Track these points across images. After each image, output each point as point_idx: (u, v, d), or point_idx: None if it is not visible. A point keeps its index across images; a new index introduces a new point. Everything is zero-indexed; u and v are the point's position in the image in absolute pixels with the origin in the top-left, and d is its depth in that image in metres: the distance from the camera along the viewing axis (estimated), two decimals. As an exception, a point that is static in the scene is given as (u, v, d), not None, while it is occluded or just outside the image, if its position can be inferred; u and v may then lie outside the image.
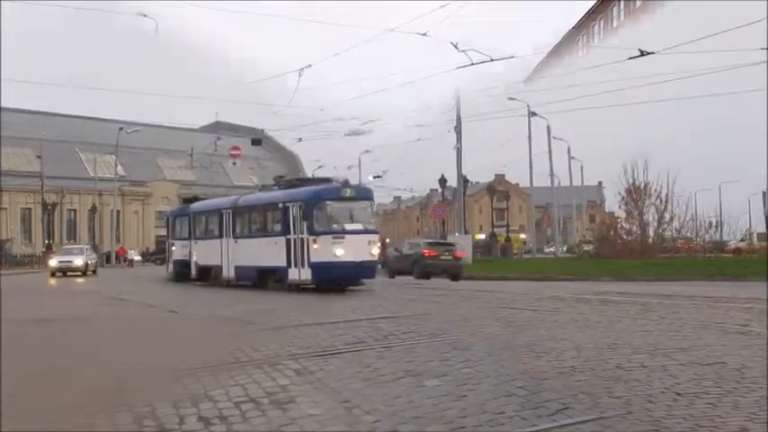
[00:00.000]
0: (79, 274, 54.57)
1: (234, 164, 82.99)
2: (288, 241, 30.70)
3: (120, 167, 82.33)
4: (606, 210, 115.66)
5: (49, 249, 69.69)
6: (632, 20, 72.49)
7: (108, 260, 74.54)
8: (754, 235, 71.92)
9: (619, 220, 64.50)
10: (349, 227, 29.96)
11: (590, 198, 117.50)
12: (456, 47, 40.84)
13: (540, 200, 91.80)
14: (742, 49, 22.85)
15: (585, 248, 64.61)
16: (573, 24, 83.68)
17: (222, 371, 11.94)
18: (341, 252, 29.13)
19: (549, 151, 70.06)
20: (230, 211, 36.35)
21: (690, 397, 9.74)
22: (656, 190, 57.94)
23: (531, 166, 67.18)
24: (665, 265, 44.38)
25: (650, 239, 57.89)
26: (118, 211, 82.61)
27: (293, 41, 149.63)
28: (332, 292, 29.52)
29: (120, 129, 76.72)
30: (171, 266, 43.24)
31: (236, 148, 71.67)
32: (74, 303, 29.40)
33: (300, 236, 30.08)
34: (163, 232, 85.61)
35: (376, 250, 31.16)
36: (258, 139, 59.99)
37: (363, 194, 32.28)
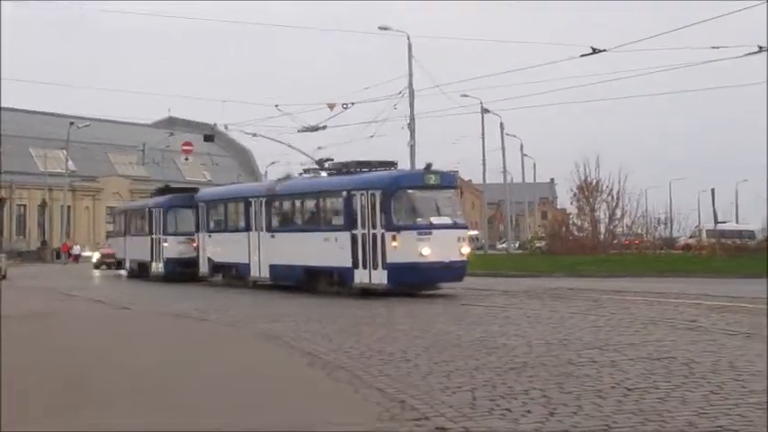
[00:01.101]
0: None
1: (186, 159, 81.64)
2: (353, 237, 25.14)
3: (70, 162, 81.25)
4: (558, 206, 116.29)
5: (-2, 245, 69.04)
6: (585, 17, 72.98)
7: (59, 256, 73.96)
8: (703, 231, 72.61)
9: (570, 217, 64.95)
10: (436, 221, 24.82)
11: (542, 195, 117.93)
12: (409, 44, 40.89)
13: (493, 197, 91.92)
14: (696, 47, 22.97)
15: (537, 245, 64.83)
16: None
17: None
18: (427, 251, 23.89)
19: (503, 148, 70.22)
20: (263, 199, 29.88)
21: (639, 392, 9.86)
22: (607, 187, 58.48)
23: (483, 163, 67.30)
24: (615, 261, 44.64)
25: (601, 236, 58.29)
26: (68, 207, 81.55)
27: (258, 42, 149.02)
28: (408, 296, 24.25)
29: (71, 123, 76.07)
30: (162, 265, 37.36)
31: (188, 143, 70.67)
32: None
33: (372, 231, 24.55)
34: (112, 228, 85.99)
35: (466, 249, 25.66)
36: (211, 135, 59.06)
37: (449, 181, 26.63)
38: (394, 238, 23.84)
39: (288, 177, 31.53)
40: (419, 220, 24.58)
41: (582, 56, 25.31)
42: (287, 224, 29.45)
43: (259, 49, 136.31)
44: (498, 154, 71.21)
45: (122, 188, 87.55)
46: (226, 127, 46.61)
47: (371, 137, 39.03)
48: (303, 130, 38.01)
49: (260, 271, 29.69)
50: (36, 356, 14.45)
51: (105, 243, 63.20)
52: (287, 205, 29.91)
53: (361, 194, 24.95)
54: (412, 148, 40.29)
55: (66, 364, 13.51)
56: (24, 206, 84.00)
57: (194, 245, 34.43)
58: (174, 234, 36.53)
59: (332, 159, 30.49)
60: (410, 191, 25.08)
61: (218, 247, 32.95)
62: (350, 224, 25.29)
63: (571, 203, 60.39)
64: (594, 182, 59.05)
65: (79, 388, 11.28)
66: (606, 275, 36.00)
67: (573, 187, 60.21)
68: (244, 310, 22.72)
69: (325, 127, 37.82)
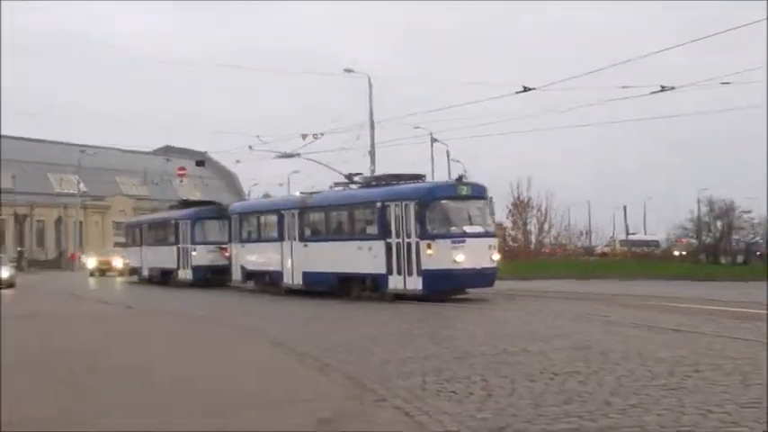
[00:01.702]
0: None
1: (181, 182, 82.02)
2: (388, 246, 23.01)
3: (82, 184, 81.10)
4: (496, 221, 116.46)
5: (20, 255, 68.49)
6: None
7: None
8: (617, 241, 73.87)
9: (506, 229, 65.18)
10: (469, 230, 22.78)
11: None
12: (369, 84, 40.87)
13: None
14: (609, 86, 23.12)
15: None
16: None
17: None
18: (461, 258, 21.89)
19: (449, 172, 70.09)
20: (295, 211, 27.21)
21: (564, 376, 9.88)
22: (537, 204, 58.67)
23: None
24: (544, 266, 44.78)
25: (532, 245, 58.58)
26: (80, 222, 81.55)
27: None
28: (440, 301, 21.70)
29: (82, 151, 76.72)
30: (190, 272, 34.28)
31: (182, 168, 70.61)
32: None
33: (407, 240, 22.49)
34: (119, 239, 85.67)
35: (497, 255, 23.46)
36: (202, 161, 59.13)
37: (479, 192, 24.02)
38: (429, 246, 21.95)
39: (310, 192, 28.73)
40: (453, 229, 22.62)
41: (516, 93, 25.33)
42: (320, 234, 26.70)
43: (240, 87, 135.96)
44: (445, 177, 70.90)
45: (127, 206, 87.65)
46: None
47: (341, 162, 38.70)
48: (280, 157, 37.89)
49: (293, 278, 27.09)
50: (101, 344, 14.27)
51: (109, 252, 57.61)
52: (319, 216, 27.12)
53: (396, 205, 22.94)
54: (372, 172, 40.14)
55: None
56: (43, 222, 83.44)
57: (226, 254, 31.88)
58: (204, 243, 33.88)
59: (361, 174, 28.94)
60: (444, 201, 23.00)
61: (250, 256, 30.14)
62: (384, 233, 23.17)
63: (507, 218, 60.28)
64: (527, 199, 59.21)
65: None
66: (536, 278, 35.99)
67: (508, 204, 60.26)
68: (276, 314, 21.93)
69: (299, 154, 37.62)
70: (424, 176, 25.68)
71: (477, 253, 22.18)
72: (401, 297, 22.40)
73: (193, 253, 33.85)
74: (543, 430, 7.28)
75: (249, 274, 30.14)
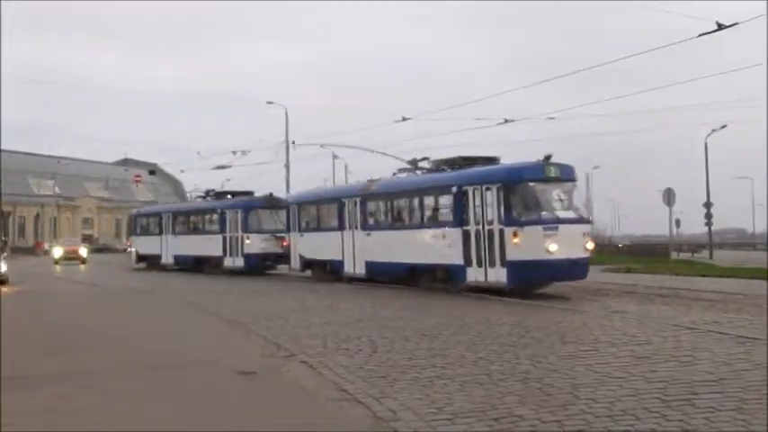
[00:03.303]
0: None
1: (137, 186, 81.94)
2: (465, 234, 16.83)
3: (57, 188, 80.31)
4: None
5: (5, 244, 65.91)
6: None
7: (46, 252, 71.69)
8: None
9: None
10: (562, 215, 16.39)
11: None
12: (286, 113, 40.51)
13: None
14: (469, 118, 23.10)
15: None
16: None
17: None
18: (554, 247, 15.58)
19: (346, 181, 70.08)
20: (357, 199, 21.18)
21: (431, 337, 9.96)
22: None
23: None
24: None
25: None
26: (55, 218, 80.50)
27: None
28: (524, 296, 15.57)
29: (58, 162, 76.93)
30: (241, 260, 27.90)
31: (138, 176, 69.27)
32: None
33: (488, 227, 16.32)
34: (87, 232, 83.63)
35: (591, 244, 17.01)
36: (153, 171, 58.26)
37: (568, 174, 17.16)
38: (515, 234, 15.82)
39: (373, 180, 22.00)
40: (544, 214, 16.22)
41: (395, 122, 25.39)
42: (385, 222, 20.45)
43: (185, 113, 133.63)
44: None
45: (92, 206, 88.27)
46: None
47: (262, 173, 38.05)
48: (216, 168, 37.66)
49: (354, 267, 21.06)
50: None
51: (76, 243, 47.77)
52: (384, 204, 20.68)
53: (475, 189, 16.74)
54: (287, 181, 39.73)
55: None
56: (24, 218, 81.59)
57: (284, 243, 25.50)
58: (258, 232, 27.63)
59: (427, 158, 21.21)
60: (532, 184, 16.49)
61: (310, 245, 23.51)
62: (460, 220, 17.03)
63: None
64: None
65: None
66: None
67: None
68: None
69: (230, 166, 37.34)
70: (499, 159, 18.78)
71: (571, 241, 15.96)
72: (478, 290, 16.46)
73: (247, 241, 27.76)
74: (414, 377, 7.31)
75: (308, 263, 23.95)
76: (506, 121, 21.29)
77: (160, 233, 33.20)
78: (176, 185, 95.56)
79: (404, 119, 24.39)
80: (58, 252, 43.66)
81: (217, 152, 50.94)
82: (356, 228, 20.92)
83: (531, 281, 16.26)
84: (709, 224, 39.12)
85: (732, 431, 5.26)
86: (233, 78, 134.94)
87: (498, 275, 16.02)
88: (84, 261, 42.15)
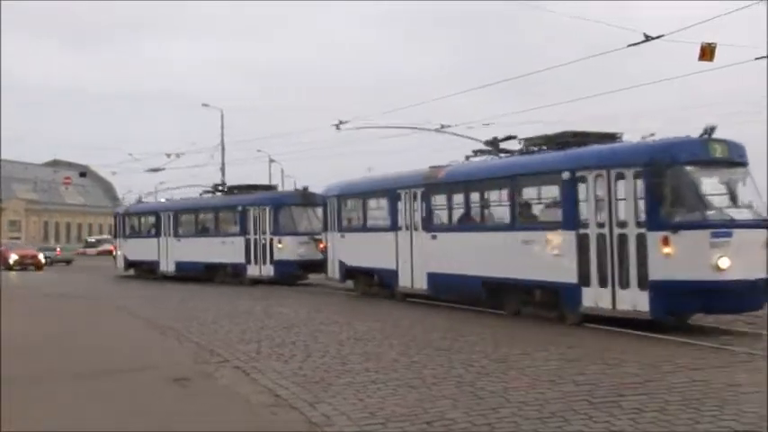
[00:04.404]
0: None
1: (66, 189, 79.88)
2: (582, 239, 11.50)
3: None
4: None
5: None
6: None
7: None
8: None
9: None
10: (737, 215, 10.73)
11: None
12: (222, 115, 40.05)
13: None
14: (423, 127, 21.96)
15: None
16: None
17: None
18: (725, 263, 10.10)
19: (282, 186, 69.63)
20: (418, 191, 15.56)
21: (365, 341, 10.01)
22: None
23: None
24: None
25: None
26: None
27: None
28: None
29: None
30: (271, 268, 22.29)
31: (67, 177, 67.63)
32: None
33: (620, 231, 11.01)
34: (14, 234, 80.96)
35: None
36: (84, 172, 56.97)
37: (740, 155, 11.31)
38: (666, 242, 10.45)
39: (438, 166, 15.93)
40: (710, 213, 10.68)
41: (333, 125, 25.04)
42: (457, 221, 14.82)
43: (116, 115, 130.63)
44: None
45: (20, 208, 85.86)
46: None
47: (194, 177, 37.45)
48: (149, 171, 36.92)
49: (412, 280, 15.60)
50: None
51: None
52: (457, 197, 14.92)
53: (598, 176, 11.34)
54: (224, 185, 39.30)
55: None
56: (-51, 220, 79.07)
57: (321, 246, 19.87)
58: (293, 234, 22.24)
59: (514, 137, 15.15)
60: (691, 168, 10.93)
61: (353, 250, 18.06)
62: (575, 220, 11.65)
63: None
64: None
65: None
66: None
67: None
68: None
69: (164, 169, 36.65)
70: (621, 135, 12.82)
71: (749, 254, 10.36)
72: (601, 319, 11.13)
73: (278, 245, 22.30)
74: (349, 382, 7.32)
75: (350, 272, 18.39)
76: (443, 127, 21.32)
77: (157, 235, 27.49)
78: (108, 188, 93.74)
79: (340, 122, 24.29)
80: (12, 257, 38.58)
81: (150, 154, 50.21)
82: (416, 228, 15.57)
83: (686, 310, 11.10)
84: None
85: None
86: (167, 78, 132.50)
87: (635, 301, 10.72)
88: (41, 267, 37.83)
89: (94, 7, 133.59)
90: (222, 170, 39.72)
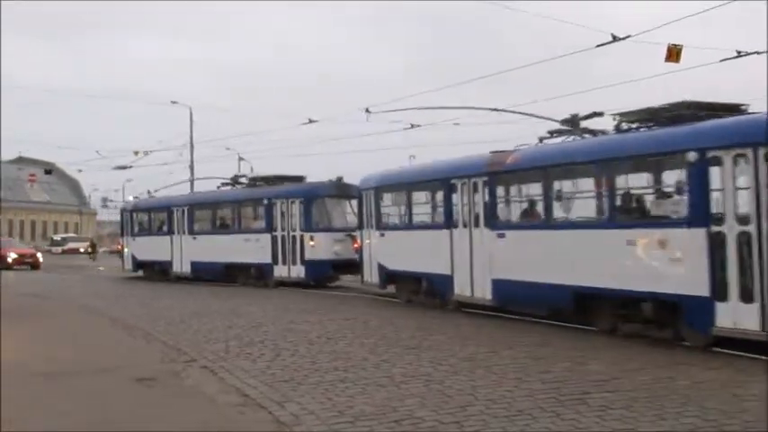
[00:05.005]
0: None
1: (31, 186, 78.43)
2: (714, 239, 8.51)
3: None
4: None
5: None
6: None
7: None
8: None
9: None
10: None
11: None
12: (191, 113, 39.78)
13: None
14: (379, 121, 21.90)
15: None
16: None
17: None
18: None
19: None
20: (479, 181, 12.90)
21: (336, 339, 9.98)
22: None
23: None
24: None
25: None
26: None
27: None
28: None
29: None
30: (302, 269, 19.86)
31: (33, 174, 66.51)
32: None
33: (746, 227, 8.25)
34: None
35: None
36: (50, 170, 56.23)
37: None
38: None
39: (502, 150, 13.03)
40: None
41: (303, 123, 24.93)
42: (535, 216, 11.93)
43: (84, 111, 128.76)
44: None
45: None
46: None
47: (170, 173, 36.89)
48: (116, 168, 36.48)
49: (472, 287, 12.89)
50: None
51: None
52: (533, 187, 12.23)
53: (738, 155, 8.47)
54: (191, 183, 38.85)
55: None
56: None
57: (356, 244, 17.93)
58: (327, 230, 19.99)
59: (600, 113, 12.02)
60: None
61: (395, 250, 15.38)
62: (702, 213, 8.80)
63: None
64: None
65: None
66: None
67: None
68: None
69: (132, 166, 36.21)
70: (748, 107, 9.98)
71: None
72: (725, 341, 8.62)
73: (311, 243, 19.94)
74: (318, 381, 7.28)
75: (391, 276, 15.74)
76: (412, 126, 21.32)
77: (170, 232, 24.93)
78: (74, 185, 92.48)
79: (310, 121, 24.19)
80: (11, 256, 35.94)
81: (117, 152, 49.55)
82: (477, 225, 12.95)
83: None
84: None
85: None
86: (135, 76, 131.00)
87: None
88: (38, 266, 35.45)
89: (63, 5, 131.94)
90: (191, 167, 39.29)
